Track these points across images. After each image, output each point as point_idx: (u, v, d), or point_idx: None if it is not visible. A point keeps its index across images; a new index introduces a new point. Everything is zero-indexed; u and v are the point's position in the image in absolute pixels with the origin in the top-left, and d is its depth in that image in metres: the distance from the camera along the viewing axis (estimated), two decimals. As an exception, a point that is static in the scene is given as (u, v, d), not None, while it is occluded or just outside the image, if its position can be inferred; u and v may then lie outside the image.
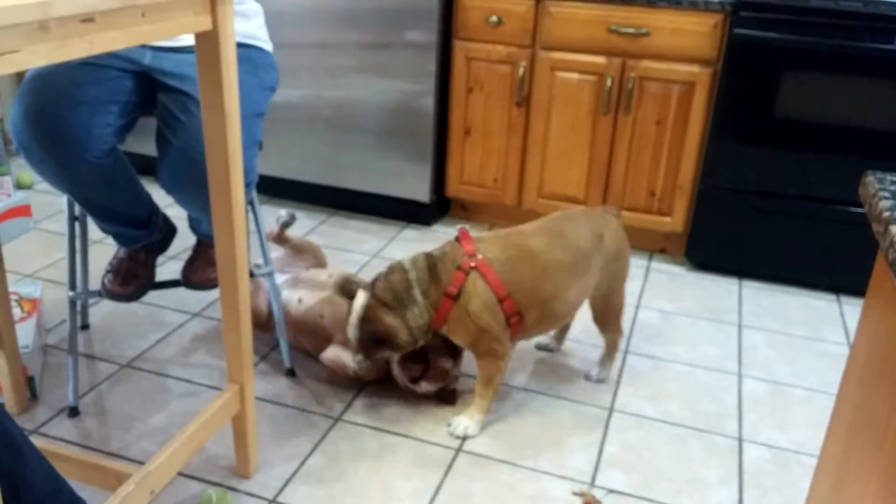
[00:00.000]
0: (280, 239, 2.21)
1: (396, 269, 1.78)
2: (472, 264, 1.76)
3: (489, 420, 1.91)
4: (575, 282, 1.85)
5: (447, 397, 1.96)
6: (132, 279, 1.90)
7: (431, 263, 1.78)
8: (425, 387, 1.92)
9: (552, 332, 2.19)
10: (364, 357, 1.81)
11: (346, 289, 1.81)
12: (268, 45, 1.89)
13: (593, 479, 1.75)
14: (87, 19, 1.02)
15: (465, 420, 1.87)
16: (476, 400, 1.88)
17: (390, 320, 1.74)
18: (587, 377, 2.10)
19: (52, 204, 2.97)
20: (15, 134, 1.62)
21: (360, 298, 1.76)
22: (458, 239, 1.83)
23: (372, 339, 1.77)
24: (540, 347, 2.23)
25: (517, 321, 1.81)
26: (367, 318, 1.75)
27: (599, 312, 2.02)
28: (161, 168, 1.70)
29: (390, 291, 1.74)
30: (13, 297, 1.96)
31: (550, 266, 1.81)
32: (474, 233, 1.88)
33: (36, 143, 1.62)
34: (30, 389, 1.88)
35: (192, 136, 1.62)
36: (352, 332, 1.78)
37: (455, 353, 1.94)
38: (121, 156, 1.74)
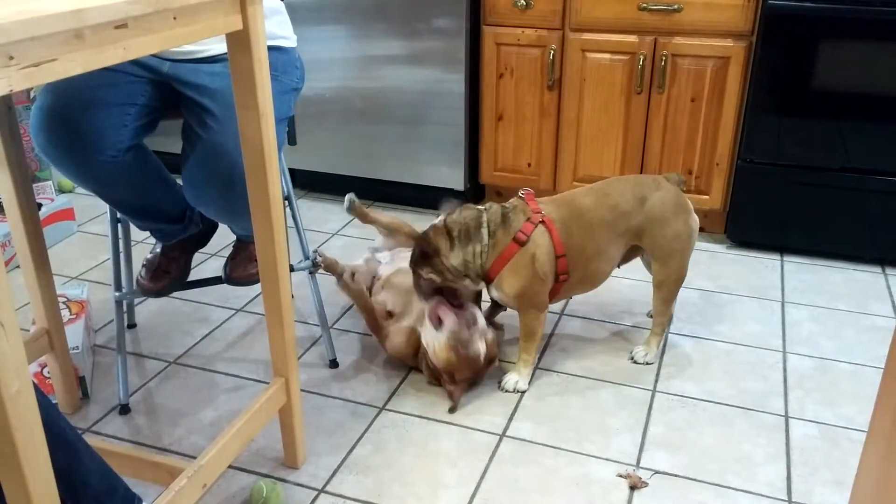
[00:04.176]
0: (365, 218, 2.23)
1: (472, 207, 1.90)
2: (541, 219, 1.89)
3: (532, 405, 1.92)
4: (615, 239, 1.95)
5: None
6: (163, 274, 1.93)
7: (505, 211, 1.90)
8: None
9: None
10: (413, 270, 1.89)
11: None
12: (289, 42, 1.86)
13: (638, 460, 1.75)
14: (121, 25, 1.04)
15: (513, 376, 1.97)
16: (521, 355, 1.98)
17: (443, 244, 1.84)
18: (633, 360, 2.09)
19: (94, 207, 3.03)
20: (34, 136, 1.66)
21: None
22: (521, 198, 1.95)
23: (422, 254, 1.86)
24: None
25: (565, 279, 1.92)
26: (425, 235, 1.87)
27: (654, 285, 2.03)
28: (182, 178, 1.71)
29: (460, 223, 1.86)
30: (61, 299, 2.01)
31: (595, 224, 1.92)
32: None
33: (51, 145, 1.65)
34: (81, 389, 1.93)
35: (209, 151, 1.62)
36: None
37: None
38: (144, 153, 1.75)
